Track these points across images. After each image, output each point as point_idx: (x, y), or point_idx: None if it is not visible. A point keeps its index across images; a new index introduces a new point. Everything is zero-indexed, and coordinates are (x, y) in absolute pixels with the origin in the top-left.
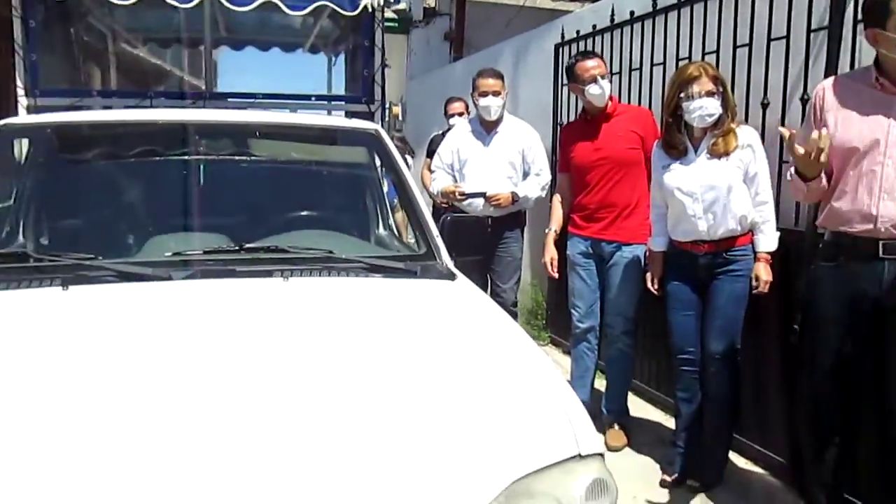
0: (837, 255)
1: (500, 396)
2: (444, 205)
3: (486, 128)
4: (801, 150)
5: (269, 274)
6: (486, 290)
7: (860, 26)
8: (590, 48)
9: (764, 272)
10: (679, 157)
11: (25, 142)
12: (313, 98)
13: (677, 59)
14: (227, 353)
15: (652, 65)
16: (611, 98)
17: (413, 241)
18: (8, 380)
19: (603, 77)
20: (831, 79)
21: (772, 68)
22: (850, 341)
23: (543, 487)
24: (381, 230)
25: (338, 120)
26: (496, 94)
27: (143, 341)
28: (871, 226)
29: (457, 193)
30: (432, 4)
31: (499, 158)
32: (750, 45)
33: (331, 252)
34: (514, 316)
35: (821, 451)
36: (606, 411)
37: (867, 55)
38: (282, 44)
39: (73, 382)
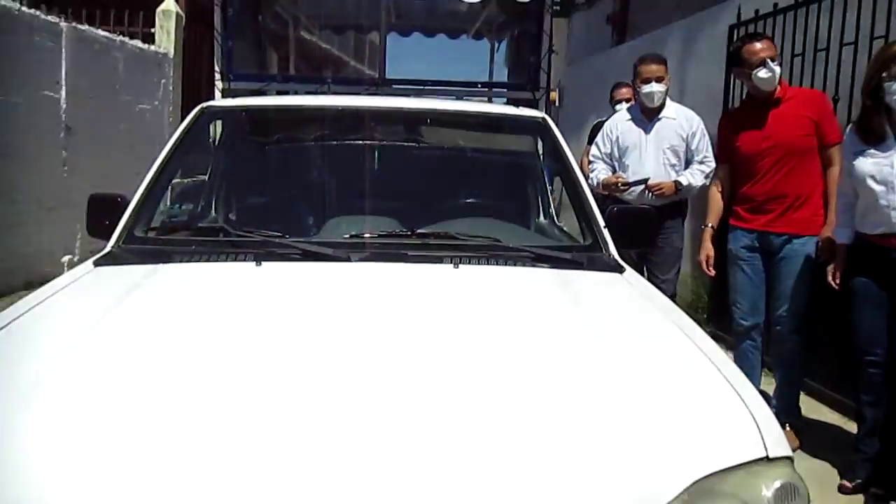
0: None
1: (683, 394)
2: (603, 192)
3: (647, 115)
4: None
5: (439, 260)
6: None
7: None
8: (769, 29)
9: None
10: (876, 142)
11: (219, 123)
12: (479, 85)
13: (871, 39)
14: (398, 337)
15: (841, 45)
16: (780, 82)
17: (574, 229)
18: (210, 348)
19: (773, 60)
20: None
21: None
22: None
23: (728, 488)
24: (543, 219)
25: (505, 108)
26: (659, 79)
27: (324, 321)
28: None
29: (619, 183)
30: None
31: (661, 146)
32: None
33: (498, 240)
34: None
35: None
36: (776, 411)
37: None
38: (447, 30)
39: (264, 356)
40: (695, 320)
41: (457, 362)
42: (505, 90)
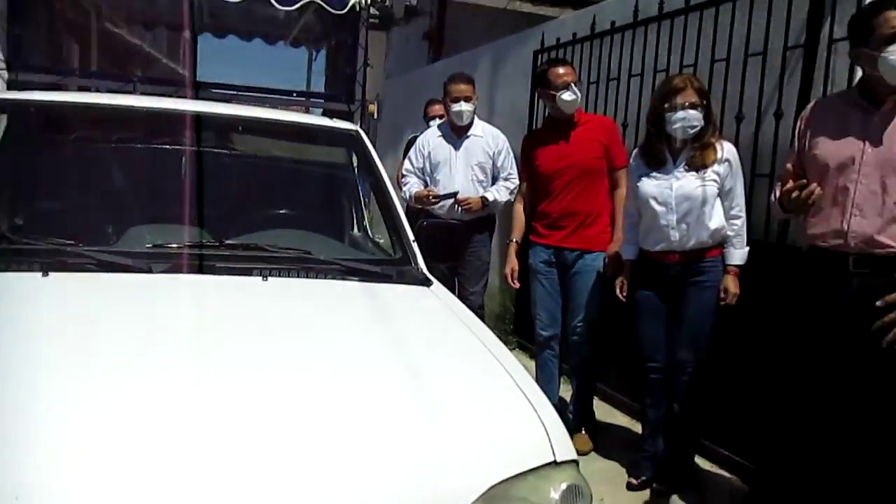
0: (812, 268)
1: (478, 403)
2: (416, 206)
3: (456, 132)
4: (792, 193)
5: (248, 272)
6: (454, 294)
7: (835, 45)
8: (569, 56)
9: (732, 285)
10: (658, 167)
11: (3, 118)
12: (294, 94)
13: (655, 71)
14: (197, 352)
15: (630, 75)
16: (577, 107)
17: (386, 242)
18: None
19: (574, 84)
20: (814, 101)
21: (748, 83)
22: (825, 352)
23: (520, 493)
24: (357, 232)
25: (320, 119)
26: (467, 99)
27: (118, 337)
28: (841, 241)
29: (430, 197)
30: (413, 3)
31: (469, 163)
32: (727, 59)
33: (308, 253)
34: (481, 319)
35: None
36: (572, 416)
37: (841, 74)
38: (264, 34)
39: (42, 374)
40: (502, 331)
41: (260, 380)
42: (321, 101)
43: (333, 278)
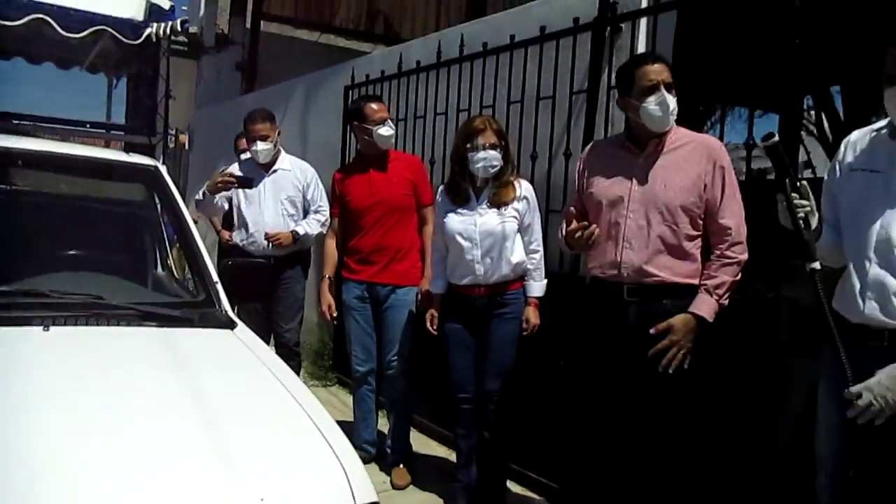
0: (595, 298)
1: (277, 451)
2: (228, 242)
3: (262, 168)
4: (575, 233)
5: (26, 322)
6: (268, 331)
7: (613, 92)
8: (377, 93)
9: (533, 316)
10: (462, 204)
11: None
12: (88, 125)
13: (458, 110)
14: None
15: (435, 114)
16: None
17: (192, 284)
18: None
19: (390, 120)
20: (590, 144)
21: (540, 124)
22: (609, 376)
23: None
24: (160, 271)
25: (116, 153)
26: (263, 138)
27: None
28: (616, 272)
29: (221, 181)
30: (224, 31)
31: (278, 197)
32: (521, 101)
33: (100, 297)
34: (298, 356)
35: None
36: (390, 451)
37: (619, 118)
38: (57, 59)
39: None
40: (322, 367)
41: (39, 440)
42: (121, 133)
43: (128, 325)
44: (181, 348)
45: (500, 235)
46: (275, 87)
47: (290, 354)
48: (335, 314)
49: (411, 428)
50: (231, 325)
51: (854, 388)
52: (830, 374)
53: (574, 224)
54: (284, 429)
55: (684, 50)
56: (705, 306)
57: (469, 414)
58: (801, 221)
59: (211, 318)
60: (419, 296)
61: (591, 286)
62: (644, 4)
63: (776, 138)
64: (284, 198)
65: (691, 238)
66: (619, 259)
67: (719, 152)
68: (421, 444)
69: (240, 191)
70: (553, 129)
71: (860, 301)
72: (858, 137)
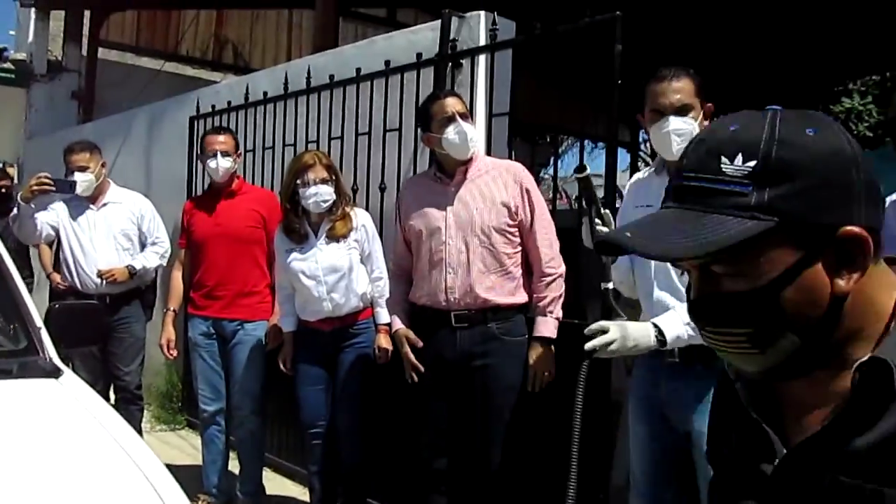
0: (423, 325)
1: (98, 498)
2: (59, 285)
3: (90, 201)
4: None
5: None
6: (105, 375)
7: None
8: (224, 124)
9: (384, 342)
10: (300, 241)
11: None
12: None
13: (307, 142)
14: None
15: (284, 145)
16: (238, 176)
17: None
18: None
19: (226, 154)
20: (407, 178)
21: (388, 156)
22: (440, 400)
23: None
24: None
25: None
26: (83, 169)
27: None
28: (442, 298)
29: (37, 185)
30: (58, 58)
31: (110, 231)
32: (369, 133)
33: None
34: (140, 400)
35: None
36: (241, 494)
37: None
38: None
39: None
40: (170, 409)
41: None
42: None
43: None
44: None
45: (344, 269)
46: (115, 117)
47: (131, 399)
48: (174, 351)
49: (265, 468)
50: (56, 374)
51: (605, 323)
52: (637, 396)
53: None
54: (111, 485)
55: (521, 85)
56: (543, 327)
57: (321, 449)
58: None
59: (32, 368)
60: (267, 332)
61: (420, 314)
62: (482, 42)
63: (588, 171)
64: (118, 232)
65: (510, 256)
66: (444, 285)
67: (523, 175)
68: (275, 484)
69: (69, 227)
70: (400, 161)
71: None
72: (640, 177)
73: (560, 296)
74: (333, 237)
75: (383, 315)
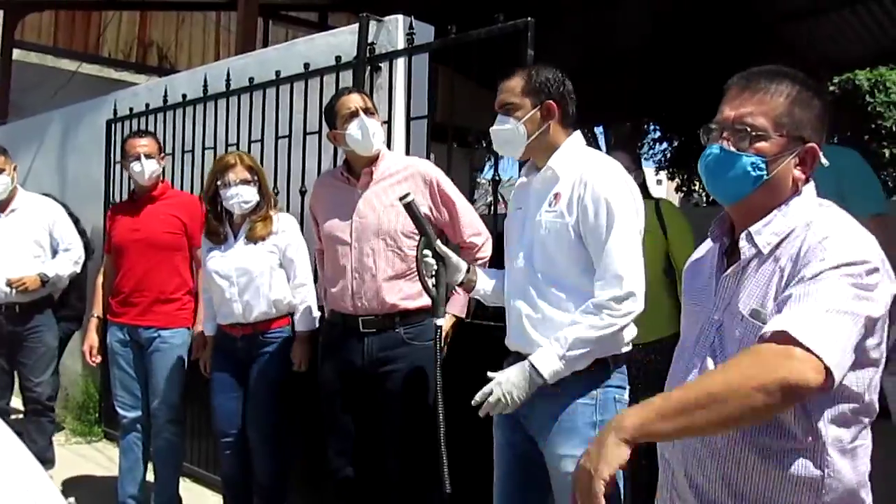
0: (333, 331)
1: None
2: None
3: None
4: None
5: None
6: (9, 387)
7: None
8: (143, 127)
9: (299, 351)
10: (220, 243)
11: None
12: None
13: (227, 145)
14: None
15: (204, 148)
16: (163, 181)
17: None
18: None
19: (149, 157)
20: (316, 179)
21: (308, 159)
22: (348, 407)
23: None
24: None
25: None
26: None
27: None
28: (350, 304)
29: None
30: None
31: (20, 238)
32: (290, 136)
33: None
34: (51, 411)
35: None
36: (158, 503)
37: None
38: None
39: None
40: (87, 421)
41: None
42: None
43: None
44: None
45: (255, 271)
46: (29, 120)
47: (41, 410)
48: (97, 358)
49: (183, 478)
50: None
51: (486, 388)
52: None
53: None
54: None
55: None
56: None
57: (232, 458)
58: (428, 281)
59: None
60: (194, 339)
61: (330, 320)
62: (401, 45)
63: (411, 197)
64: (29, 238)
65: None
66: (351, 290)
67: (432, 171)
68: (194, 494)
69: None
70: (320, 164)
71: (509, 328)
72: (520, 181)
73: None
74: (252, 239)
75: (301, 322)
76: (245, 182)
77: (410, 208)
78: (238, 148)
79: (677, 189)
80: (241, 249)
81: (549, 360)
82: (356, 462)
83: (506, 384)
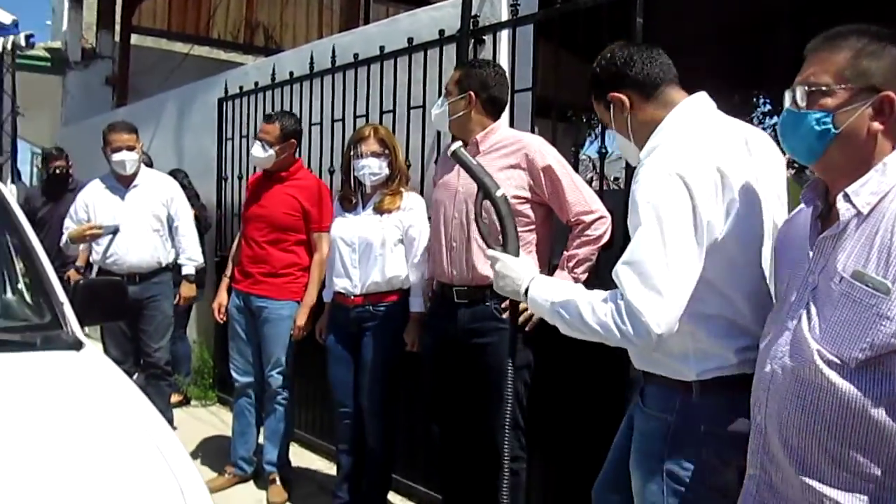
0: (434, 300)
1: (108, 471)
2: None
3: (123, 182)
4: None
5: None
6: (135, 352)
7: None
8: (253, 104)
9: (413, 332)
10: (349, 210)
11: None
12: None
13: (332, 120)
14: None
15: (310, 124)
16: (297, 159)
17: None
18: None
19: (270, 145)
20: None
21: (413, 133)
22: (445, 376)
23: None
24: (11, 296)
25: None
26: (130, 148)
27: None
28: (447, 274)
29: (89, 233)
30: (92, 45)
31: (142, 212)
32: (394, 111)
33: None
34: (170, 375)
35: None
36: (267, 466)
37: None
38: None
39: None
40: (202, 385)
41: None
42: None
43: None
44: (18, 371)
45: (375, 242)
46: (147, 101)
47: (160, 374)
48: (223, 316)
49: (292, 442)
50: (77, 347)
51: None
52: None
53: None
54: (125, 453)
55: (542, 60)
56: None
57: (349, 429)
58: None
59: (55, 341)
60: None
61: (434, 289)
62: (505, 17)
63: (455, 145)
64: (149, 212)
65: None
66: (448, 259)
67: (536, 146)
68: (302, 458)
69: (97, 208)
70: (424, 138)
71: None
72: None
73: (588, 258)
74: (379, 210)
75: (415, 304)
76: (375, 154)
77: (458, 157)
78: (343, 123)
79: (789, 165)
80: (366, 218)
81: (546, 290)
82: (454, 429)
83: (510, 266)
